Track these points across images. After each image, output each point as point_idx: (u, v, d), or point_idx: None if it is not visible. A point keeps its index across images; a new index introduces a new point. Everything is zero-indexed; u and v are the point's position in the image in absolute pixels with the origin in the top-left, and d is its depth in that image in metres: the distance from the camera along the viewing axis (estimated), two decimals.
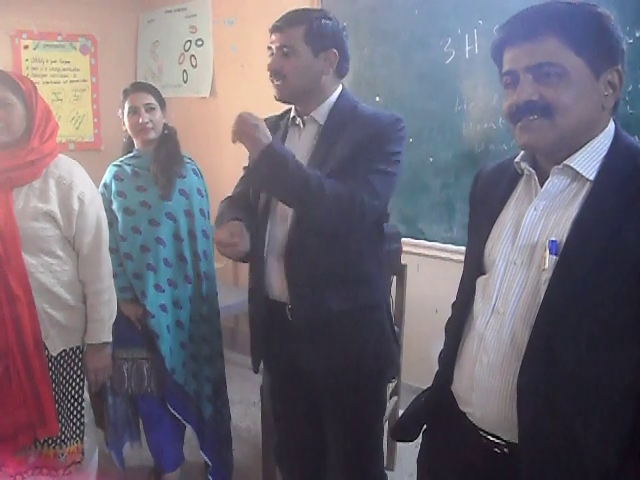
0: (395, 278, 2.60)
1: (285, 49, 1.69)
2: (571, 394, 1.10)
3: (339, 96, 1.79)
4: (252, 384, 3.44)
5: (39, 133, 1.90)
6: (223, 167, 3.90)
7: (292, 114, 1.84)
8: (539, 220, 1.17)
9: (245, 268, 1.93)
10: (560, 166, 1.15)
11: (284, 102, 1.81)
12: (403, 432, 1.47)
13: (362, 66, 3.35)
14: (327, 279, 1.73)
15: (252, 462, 2.83)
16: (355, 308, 1.75)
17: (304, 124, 1.80)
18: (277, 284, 1.80)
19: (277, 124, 1.89)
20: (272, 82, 1.75)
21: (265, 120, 1.94)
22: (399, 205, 3.21)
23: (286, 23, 1.70)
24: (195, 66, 4.35)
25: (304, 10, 1.76)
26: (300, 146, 1.78)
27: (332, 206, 1.62)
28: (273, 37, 1.73)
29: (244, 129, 1.59)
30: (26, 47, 4.18)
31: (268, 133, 1.61)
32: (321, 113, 1.77)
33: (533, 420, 1.13)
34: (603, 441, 1.11)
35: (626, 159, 1.11)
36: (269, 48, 1.75)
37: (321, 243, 1.70)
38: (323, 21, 1.71)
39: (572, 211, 1.12)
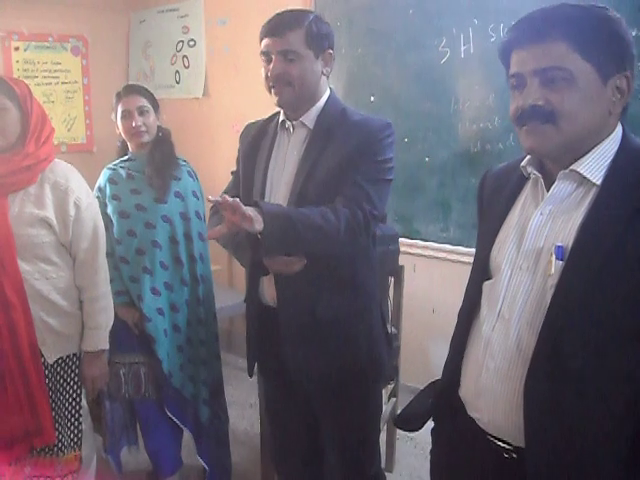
0: (392, 279, 2.59)
1: (289, 55, 1.63)
2: (577, 400, 1.09)
3: (327, 99, 1.76)
4: (249, 386, 3.43)
5: (34, 137, 1.87)
6: (216, 168, 3.87)
7: (281, 118, 1.79)
8: (545, 225, 1.16)
9: (240, 270, 1.91)
10: (566, 171, 1.13)
11: (285, 109, 1.75)
12: (407, 424, 1.45)
13: (356, 66, 3.33)
14: (315, 286, 1.71)
15: (250, 464, 2.82)
16: (344, 314, 1.74)
17: (294, 128, 1.76)
18: (269, 290, 1.79)
19: (265, 128, 1.85)
20: (271, 88, 1.68)
21: (251, 124, 1.92)
22: (395, 205, 3.20)
23: (284, 27, 1.64)
24: (187, 67, 4.32)
25: (298, 12, 1.70)
26: (290, 151, 1.76)
27: (346, 236, 1.61)
28: (269, 41, 1.65)
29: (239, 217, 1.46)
30: (17, 49, 4.13)
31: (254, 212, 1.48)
32: (310, 117, 1.74)
33: (539, 426, 1.12)
34: (609, 447, 1.10)
35: (633, 164, 1.10)
36: (264, 53, 1.67)
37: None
38: (319, 23, 1.69)
39: (578, 216, 1.11)
